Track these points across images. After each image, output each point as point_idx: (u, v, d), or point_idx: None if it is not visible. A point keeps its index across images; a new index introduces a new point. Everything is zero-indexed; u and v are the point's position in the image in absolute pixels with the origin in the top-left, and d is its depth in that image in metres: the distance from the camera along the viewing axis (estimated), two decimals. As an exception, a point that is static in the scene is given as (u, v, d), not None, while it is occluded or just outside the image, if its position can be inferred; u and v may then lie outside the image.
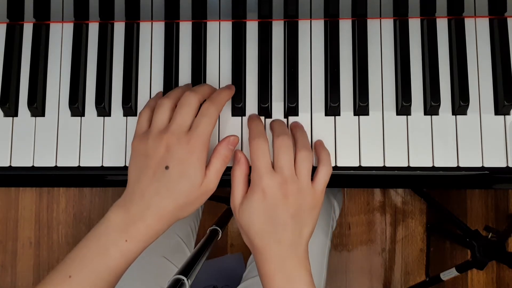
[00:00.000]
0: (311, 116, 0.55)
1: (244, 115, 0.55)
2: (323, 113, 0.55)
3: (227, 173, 0.52)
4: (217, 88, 0.55)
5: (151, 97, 0.56)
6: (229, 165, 0.52)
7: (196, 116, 0.50)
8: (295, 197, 0.49)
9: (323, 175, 0.51)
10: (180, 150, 0.48)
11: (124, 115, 0.56)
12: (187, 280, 0.49)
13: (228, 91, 0.53)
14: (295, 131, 0.53)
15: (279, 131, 0.52)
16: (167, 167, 0.48)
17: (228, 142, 0.51)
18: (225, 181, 0.52)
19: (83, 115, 0.56)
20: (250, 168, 0.52)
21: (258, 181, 0.49)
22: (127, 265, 0.49)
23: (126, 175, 0.51)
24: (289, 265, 0.49)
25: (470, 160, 0.53)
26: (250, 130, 0.52)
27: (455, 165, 0.53)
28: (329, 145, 0.54)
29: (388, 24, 0.56)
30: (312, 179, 0.51)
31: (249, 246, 0.52)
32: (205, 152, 0.49)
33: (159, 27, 0.57)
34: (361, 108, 0.54)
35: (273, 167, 0.50)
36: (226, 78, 0.56)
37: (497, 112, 0.54)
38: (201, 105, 0.50)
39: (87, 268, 0.47)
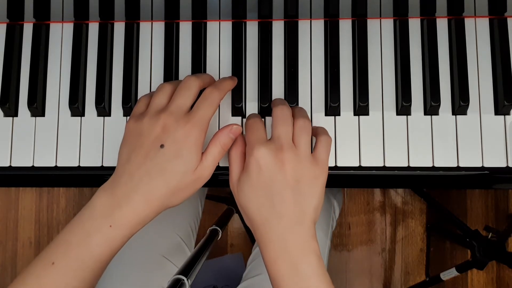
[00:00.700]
0: (311, 116, 0.55)
1: (244, 115, 0.55)
2: (323, 113, 0.55)
3: (226, 172, 0.52)
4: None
5: (151, 97, 0.56)
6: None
7: (196, 101, 0.48)
8: (293, 165, 0.46)
9: (323, 144, 0.48)
10: (177, 130, 0.46)
11: (124, 115, 0.56)
12: (187, 280, 0.49)
13: (231, 81, 0.52)
14: (292, 107, 0.53)
15: (278, 102, 0.50)
16: (162, 146, 0.46)
17: (230, 130, 0.49)
18: (225, 181, 0.52)
19: (83, 115, 0.56)
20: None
21: (251, 151, 0.46)
22: (112, 253, 0.46)
23: (126, 175, 0.51)
24: (292, 246, 0.45)
25: (470, 160, 0.53)
26: (247, 119, 0.51)
27: (455, 165, 0.53)
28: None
29: (388, 24, 0.56)
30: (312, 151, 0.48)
31: (250, 228, 0.48)
32: (202, 137, 0.47)
33: (159, 27, 0.57)
34: (361, 108, 0.54)
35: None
36: (226, 78, 0.56)
37: (497, 112, 0.54)
38: (201, 92, 0.49)
39: (70, 255, 0.45)
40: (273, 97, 0.55)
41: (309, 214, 0.46)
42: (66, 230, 0.46)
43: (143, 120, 0.47)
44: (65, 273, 0.44)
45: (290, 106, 0.52)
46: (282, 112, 0.48)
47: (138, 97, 0.56)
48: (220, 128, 0.55)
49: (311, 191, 0.46)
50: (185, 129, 0.46)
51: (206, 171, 0.48)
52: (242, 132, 0.52)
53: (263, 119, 0.55)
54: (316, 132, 0.50)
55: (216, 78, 0.56)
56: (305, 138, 0.47)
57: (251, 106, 0.55)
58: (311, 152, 0.48)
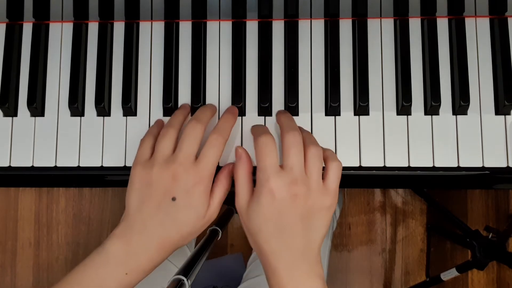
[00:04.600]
0: (311, 116, 0.55)
1: (244, 115, 0.55)
2: (323, 113, 0.55)
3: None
4: (218, 92, 0.55)
5: (151, 96, 0.56)
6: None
7: (203, 146, 0.49)
8: (305, 198, 0.46)
9: (334, 171, 0.48)
10: (187, 181, 0.47)
11: (123, 115, 0.56)
12: (187, 280, 0.49)
13: (232, 119, 0.52)
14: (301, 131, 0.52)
15: (288, 126, 0.49)
16: (173, 198, 0.47)
17: (229, 171, 0.51)
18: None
19: (83, 115, 0.56)
20: (253, 167, 0.50)
21: (265, 182, 0.46)
22: None
23: (126, 175, 0.50)
24: (300, 274, 0.45)
25: (471, 160, 0.53)
26: (255, 131, 0.51)
27: (456, 165, 0.53)
28: (329, 145, 0.54)
29: (388, 24, 0.56)
30: (322, 178, 0.48)
31: (256, 250, 0.49)
32: (210, 183, 0.48)
33: (159, 27, 0.57)
34: (361, 108, 0.54)
35: (280, 165, 0.47)
36: (226, 78, 0.56)
37: (497, 112, 0.54)
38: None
39: None
40: (273, 97, 0.55)
41: (316, 244, 0.47)
42: (77, 271, 0.46)
43: (152, 169, 0.47)
44: None
45: (289, 104, 0.52)
46: (294, 139, 0.47)
47: (138, 97, 0.56)
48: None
49: (320, 223, 0.47)
50: (195, 179, 0.47)
51: (214, 214, 0.49)
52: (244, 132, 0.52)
53: (262, 119, 0.55)
54: (325, 157, 0.49)
55: (216, 79, 0.56)
56: (317, 167, 0.47)
57: (251, 106, 0.55)
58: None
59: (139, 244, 0.47)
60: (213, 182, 0.50)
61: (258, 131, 0.50)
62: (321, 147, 0.49)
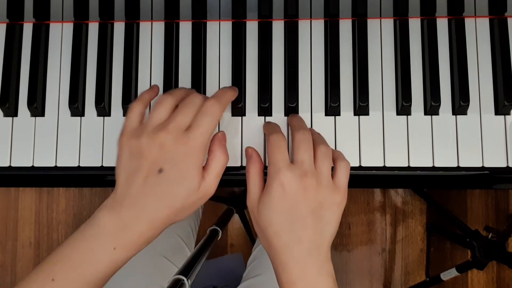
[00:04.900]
0: (311, 116, 0.55)
1: (244, 115, 0.55)
2: (323, 113, 0.55)
3: (227, 173, 0.52)
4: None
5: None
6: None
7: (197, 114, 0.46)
8: (315, 191, 0.45)
9: (343, 170, 0.48)
10: (176, 151, 0.44)
11: (124, 115, 0.56)
12: (187, 280, 0.49)
13: (233, 91, 0.51)
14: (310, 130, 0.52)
15: (298, 125, 0.49)
16: (160, 170, 0.44)
17: (219, 139, 0.48)
18: (225, 181, 0.52)
19: (83, 115, 0.56)
20: (264, 165, 0.50)
21: (276, 175, 0.45)
22: (115, 271, 0.46)
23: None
24: (310, 271, 0.45)
25: (470, 160, 0.53)
26: (267, 129, 0.51)
27: (455, 165, 0.53)
28: (329, 145, 0.54)
29: (388, 24, 0.56)
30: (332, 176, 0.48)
31: (266, 248, 0.48)
32: (203, 155, 0.46)
33: (159, 27, 0.57)
34: (361, 108, 0.54)
35: (291, 162, 0.47)
36: (226, 78, 0.56)
37: (497, 112, 0.54)
38: None
39: (72, 272, 0.43)
40: (273, 97, 0.55)
41: (327, 239, 0.46)
42: (66, 245, 0.45)
43: (139, 138, 0.45)
44: None
45: (291, 104, 0.52)
46: (304, 137, 0.47)
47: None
48: (220, 128, 0.55)
49: (330, 218, 0.46)
50: (185, 149, 0.44)
51: (210, 188, 0.47)
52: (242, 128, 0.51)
53: (262, 119, 0.55)
54: (334, 157, 0.49)
55: (216, 79, 0.56)
56: (327, 164, 0.47)
57: (251, 106, 0.55)
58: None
59: (129, 218, 0.44)
60: (208, 154, 0.48)
61: (270, 129, 0.50)
62: (330, 147, 0.49)
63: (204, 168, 0.47)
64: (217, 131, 0.52)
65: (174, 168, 0.44)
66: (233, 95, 0.51)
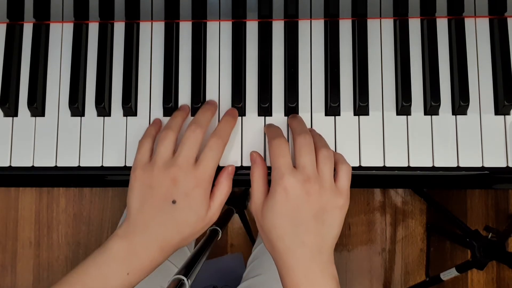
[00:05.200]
0: (311, 116, 0.55)
1: (244, 115, 0.55)
2: (323, 113, 0.55)
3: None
4: (218, 92, 0.55)
5: (151, 97, 0.56)
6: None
7: (203, 149, 0.50)
8: (318, 195, 0.47)
9: (345, 173, 0.49)
10: (187, 184, 0.48)
11: (124, 115, 0.56)
12: (187, 280, 0.49)
13: (232, 121, 0.53)
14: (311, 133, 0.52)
15: (299, 129, 0.50)
16: (174, 201, 0.48)
17: (228, 173, 0.51)
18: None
19: (83, 115, 0.56)
20: (267, 169, 0.51)
21: (279, 180, 0.47)
22: None
23: (126, 175, 0.51)
24: (314, 273, 0.46)
25: (470, 160, 0.53)
26: (268, 133, 0.52)
27: (455, 165, 0.53)
28: (329, 145, 0.54)
29: (388, 24, 0.56)
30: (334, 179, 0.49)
31: (270, 251, 0.49)
32: (210, 185, 0.49)
33: (159, 27, 0.57)
34: (361, 108, 0.54)
35: (294, 167, 0.48)
36: (226, 78, 0.56)
37: (497, 112, 0.54)
38: None
39: None
40: (273, 97, 0.55)
41: (330, 242, 0.47)
42: (79, 271, 0.47)
43: (152, 173, 0.49)
44: None
45: (291, 104, 0.52)
46: (305, 141, 0.48)
47: (138, 97, 0.56)
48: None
49: (333, 221, 0.47)
50: (195, 182, 0.48)
51: (214, 216, 0.50)
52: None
53: (262, 119, 0.55)
54: (335, 160, 0.50)
55: (216, 79, 0.56)
56: (329, 167, 0.48)
57: (251, 106, 0.55)
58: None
59: (141, 244, 0.47)
60: (214, 184, 0.51)
61: (272, 133, 0.51)
62: (332, 150, 0.50)
63: (210, 196, 0.50)
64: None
65: (186, 199, 0.48)
66: (233, 125, 0.53)
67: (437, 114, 0.54)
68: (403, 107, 0.54)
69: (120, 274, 0.47)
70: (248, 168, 0.52)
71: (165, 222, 0.48)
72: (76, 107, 0.55)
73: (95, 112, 0.56)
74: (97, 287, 0.46)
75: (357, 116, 0.55)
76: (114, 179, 0.56)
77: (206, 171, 0.49)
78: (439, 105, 0.53)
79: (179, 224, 0.48)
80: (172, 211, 0.48)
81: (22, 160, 0.55)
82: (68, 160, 0.55)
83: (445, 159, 0.53)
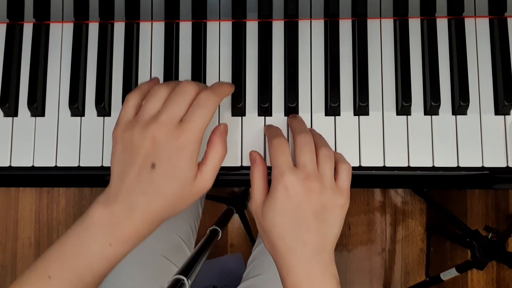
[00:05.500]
0: (311, 116, 0.55)
1: (244, 115, 0.55)
2: (323, 113, 0.55)
3: (226, 172, 0.52)
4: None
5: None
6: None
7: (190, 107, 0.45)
8: (318, 194, 0.46)
9: (345, 172, 0.48)
10: (168, 146, 0.43)
11: (124, 115, 0.56)
12: (187, 280, 0.49)
13: (230, 86, 0.50)
14: (312, 132, 0.52)
15: (299, 128, 0.49)
16: (153, 165, 0.43)
17: (221, 132, 0.47)
18: (226, 181, 0.52)
19: (83, 115, 0.56)
20: (267, 169, 0.50)
21: (280, 178, 0.45)
22: (111, 268, 0.45)
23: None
24: (314, 273, 0.45)
25: (470, 160, 0.53)
26: (268, 133, 0.51)
27: (455, 165, 0.53)
28: (329, 145, 0.54)
29: (388, 24, 0.56)
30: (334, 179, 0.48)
31: (270, 251, 0.48)
32: (197, 149, 0.44)
33: (159, 27, 0.57)
34: (361, 108, 0.54)
35: (294, 166, 0.47)
36: (226, 78, 0.56)
37: (497, 112, 0.54)
38: None
39: (68, 269, 0.43)
40: (273, 97, 0.55)
41: (330, 242, 0.46)
42: (61, 243, 0.44)
43: (132, 132, 0.43)
44: (62, 287, 0.42)
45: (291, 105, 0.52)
46: (306, 140, 0.48)
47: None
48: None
49: (334, 220, 0.47)
50: (177, 144, 0.43)
51: (207, 183, 0.46)
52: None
53: (262, 119, 0.55)
54: (335, 159, 0.50)
55: (217, 79, 0.56)
56: (329, 166, 0.47)
57: (251, 106, 0.55)
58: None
59: (122, 213, 0.43)
60: (207, 146, 0.47)
61: (272, 132, 0.50)
62: (332, 150, 0.50)
63: (202, 160, 0.46)
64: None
65: (166, 163, 0.43)
66: (229, 89, 0.49)
67: (437, 114, 0.54)
68: (403, 107, 0.54)
69: (101, 244, 0.43)
70: (248, 168, 0.52)
71: (146, 191, 0.43)
72: (76, 107, 0.55)
73: (95, 112, 0.56)
74: (77, 258, 0.43)
75: (357, 116, 0.55)
76: (114, 179, 0.56)
77: (192, 132, 0.43)
78: (439, 105, 0.53)
79: (161, 193, 0.43)
80: (152, 177, 0.43)
81: (22, 160, 0.55)
82: (68, 160, 0.55)
83: (445, 159, 0.53)
